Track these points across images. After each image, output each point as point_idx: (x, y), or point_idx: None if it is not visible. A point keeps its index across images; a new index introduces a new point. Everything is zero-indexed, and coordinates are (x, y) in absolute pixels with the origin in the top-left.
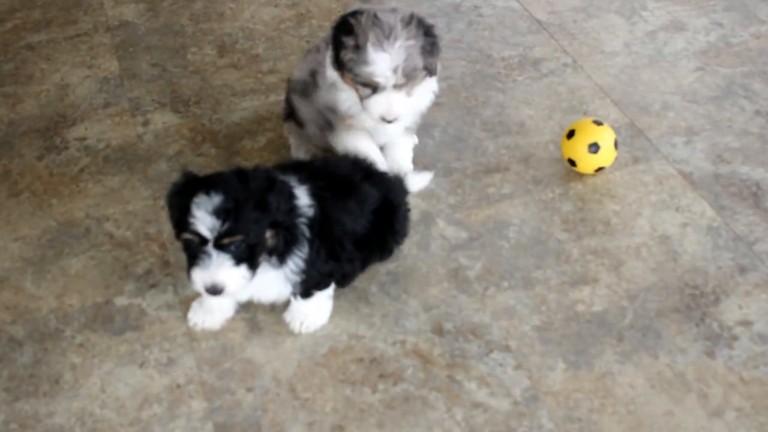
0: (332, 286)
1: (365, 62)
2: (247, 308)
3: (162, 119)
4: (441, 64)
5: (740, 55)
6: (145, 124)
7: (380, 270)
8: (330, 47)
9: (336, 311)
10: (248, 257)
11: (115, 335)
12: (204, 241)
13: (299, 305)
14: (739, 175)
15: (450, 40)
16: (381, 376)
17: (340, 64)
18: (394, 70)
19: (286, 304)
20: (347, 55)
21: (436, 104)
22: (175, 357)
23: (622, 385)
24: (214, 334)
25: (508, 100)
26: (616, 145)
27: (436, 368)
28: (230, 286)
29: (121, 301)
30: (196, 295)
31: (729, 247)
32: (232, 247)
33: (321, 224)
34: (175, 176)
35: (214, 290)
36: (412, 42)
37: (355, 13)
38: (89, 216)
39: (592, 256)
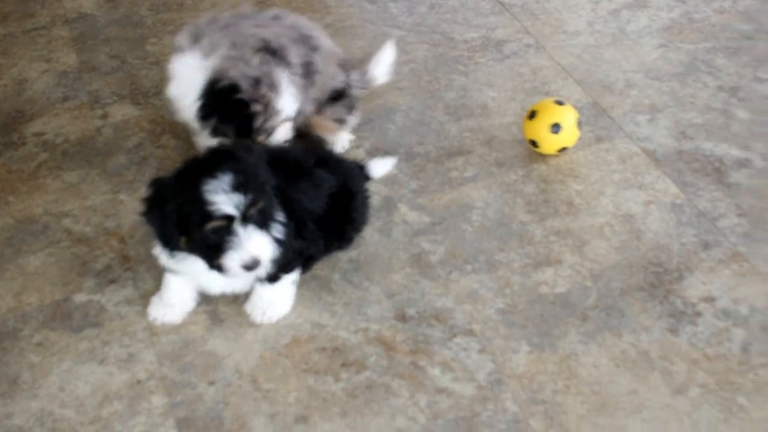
0: (298, 272)
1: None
2: (209, 301)
3: (121, 112)
4: (403, 48)
5: (703, 31)
6: (104, 117)
7: (342, 258)
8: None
9: (298, 300)
10: (265, 222)
11: (74, 333)
12: (230, 221)
13: (263, 293)
14: (703, 151)
15: (412, 23)
16: (344, 364)
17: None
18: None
19: (248, 296)
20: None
21: (398, 89)
22: (136, 352)
23: (586, 365)
24: (174, 328)
25: (470, 82)
26: (578, 124)
27: (399, 355)
28: (265, 255)
29: (80, 297)
30: (156, 289)
31: (692, 223)
32: (256, 217)
33: (280, 196)
34: (134, 169)
35: (254, 264)
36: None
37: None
38: (47, 212)
39: (555, 237)
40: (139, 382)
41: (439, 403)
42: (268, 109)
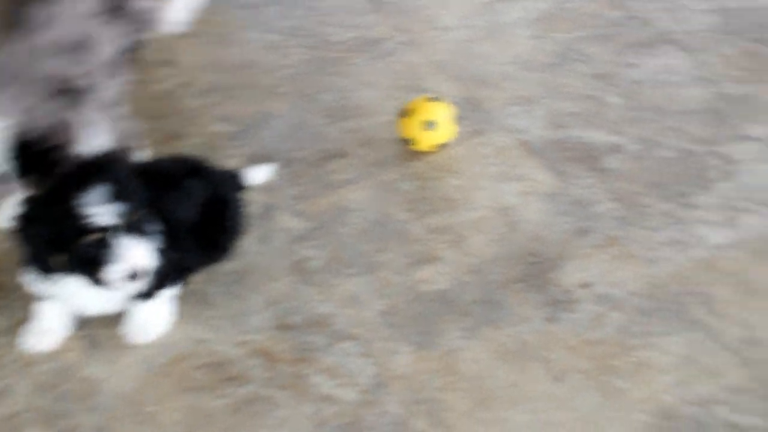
0: (175, 287)
1: None
2: (85, 324)
3: None
4: (280, 53)
5: (575, 20)
6: None
7: (222, 270)
8: None
9: (177, 317)
10: (143, 232)
11: None
12: (108, 232)
13: (140, 311)
14: (577, 139)
15: (289, 27)
16: (226, 379)
17: None
18: None
19: (125, 316)
20: None
21: (275, 94)
22: (10, 385)
23: (467, 361)
24: (50, 356)
25: (347, 83)
26: (454, 120)
27: (281, 365)
28: (146, 264)
29: None
30: (29, 317)
31: (568, 211)
32: (134, 225)
33: (151, 207)
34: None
35: (136, 275)
36: None
37: None
38: None
39: (434, 234)
40: (14, 415)
41: (324, 411)
42: (78, 150)
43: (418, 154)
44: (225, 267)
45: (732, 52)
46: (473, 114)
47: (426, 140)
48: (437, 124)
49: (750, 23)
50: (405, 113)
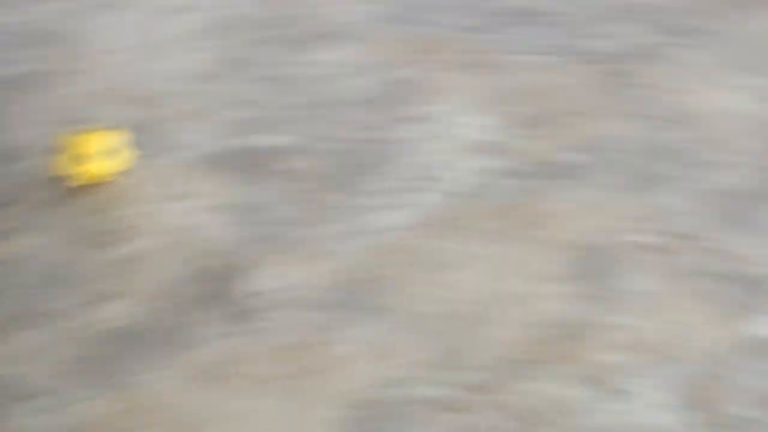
0: None
1: None
2: None
3: None
4: None
5: (240, 26)
6: None
7: None
8: None
9: None
10: None
11: None
12: None
13: None
14: (253, 146)
15: None
16: None
17: None
18: None
19: None
20: None
21: None
22: None
23: (160, 392)
24: None
25: (7, 124)
26: (123, 147)
27: None
28: None
29: None
30: None
31: (247, 221)
32: None
33: None
34: None
35: None
36: None
37: None
38: None
39: (113, 269)
40: None
41: None
42: None
43: (89, 188)
44: None
45: (395, 38)
46: (146, 136)
47: (85, 174)
48: (101, 155)
49: (410, 8)
50: (57, 150)
